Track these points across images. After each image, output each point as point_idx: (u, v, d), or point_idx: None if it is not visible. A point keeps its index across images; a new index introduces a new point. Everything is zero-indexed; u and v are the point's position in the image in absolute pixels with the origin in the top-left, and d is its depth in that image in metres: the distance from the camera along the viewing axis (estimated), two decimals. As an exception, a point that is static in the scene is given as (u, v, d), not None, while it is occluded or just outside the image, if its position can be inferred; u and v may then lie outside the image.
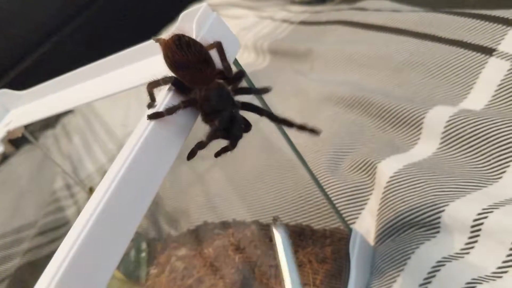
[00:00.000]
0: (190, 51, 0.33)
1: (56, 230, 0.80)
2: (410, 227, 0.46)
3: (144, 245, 0.57)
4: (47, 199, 0.89)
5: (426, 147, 0.51)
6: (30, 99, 0.51)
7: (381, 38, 0.66)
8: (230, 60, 0.34)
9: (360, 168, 0.53)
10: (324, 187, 0.53)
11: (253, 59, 0.92)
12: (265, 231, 0.48)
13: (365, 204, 0.52)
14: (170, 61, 0.33)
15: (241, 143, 0.33)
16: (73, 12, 1.40)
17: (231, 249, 0.47)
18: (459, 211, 0.42)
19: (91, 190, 0.55)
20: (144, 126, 0.29)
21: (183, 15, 0.37)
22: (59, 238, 0.76)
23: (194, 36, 0.34)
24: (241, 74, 0.35)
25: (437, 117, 0.51)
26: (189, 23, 0.36)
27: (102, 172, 0.91)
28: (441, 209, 0.43)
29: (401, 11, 0.69)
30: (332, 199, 0.52)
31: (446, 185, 0.45)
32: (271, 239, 0.44)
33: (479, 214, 0.40)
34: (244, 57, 0.97)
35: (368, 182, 0.52)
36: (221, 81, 0.34)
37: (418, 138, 0.52)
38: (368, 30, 0.70)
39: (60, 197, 0.88)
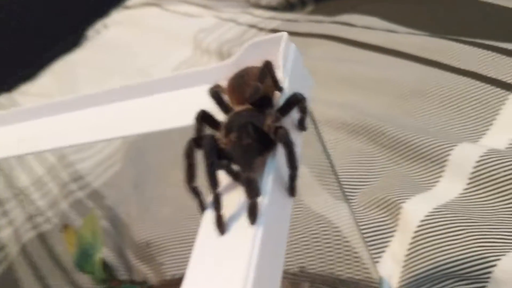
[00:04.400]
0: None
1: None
2: (448, 278, 0.42)
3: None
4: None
5: (451, 186, 0.48)
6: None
7: (380, 60, 0.63)
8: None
9: (379, 206, 0.49)
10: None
11: (216, 65, 0.85)
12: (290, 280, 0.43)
13: (386, 247, 0.48)
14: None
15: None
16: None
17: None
18: (515, 267, 0.39)
19: (66, 228, 0.46)
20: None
21: (251, 44, 0.30)
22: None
23: (280, 70, 0.28)
24: (296, 99, 0.25)
25: (465, 156, 0.48)
26: (260, 53, 0.30)
27: (41, 185, 0.79)
28: (493, 263, 0.40)
29: (396, 31, 0.66)
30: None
31: (490, 234, 0.42)
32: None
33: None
34: (203, 61, 0.89)
35: (390, 222, 0.48)
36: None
37: (441, 176, 0.49)
38: (361, 48, 0.66)
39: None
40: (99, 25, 1.22)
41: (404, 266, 0.45)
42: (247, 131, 0.23)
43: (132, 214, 0.61)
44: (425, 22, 0.64)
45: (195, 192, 0.24)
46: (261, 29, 0.85)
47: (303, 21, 0.80)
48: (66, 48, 1.15)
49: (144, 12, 1.17)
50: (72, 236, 0.45)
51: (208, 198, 0.25)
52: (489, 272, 0.40)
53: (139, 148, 0.74)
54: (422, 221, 0.45)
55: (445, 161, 0.49)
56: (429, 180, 0.50)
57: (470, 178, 0.47)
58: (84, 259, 0.43)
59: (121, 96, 0.35)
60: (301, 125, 0.26)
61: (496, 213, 0.45)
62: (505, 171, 0.45)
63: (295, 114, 0.27)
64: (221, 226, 0.22)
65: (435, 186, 0.49)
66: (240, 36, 0.86)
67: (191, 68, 0.88)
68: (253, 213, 0.21)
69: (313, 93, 0.66)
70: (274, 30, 0.83)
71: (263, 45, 0.30)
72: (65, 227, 0.45)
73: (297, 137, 0.25)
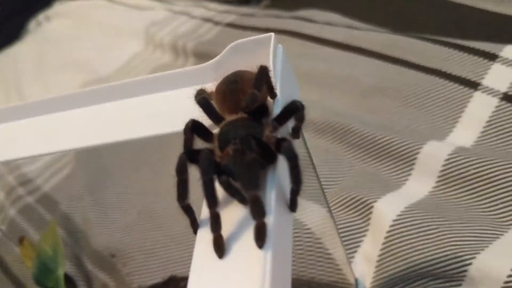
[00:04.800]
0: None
1: None
2: (422, 277, 0.42)
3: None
4: None
5: (419, 185, 0.48)
6: None
7: (342, 57, 0.62)
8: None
9: (350, 206, 0.49)
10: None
11: (170, 60, 0.82)
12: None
13: (358, 247, 0.47)
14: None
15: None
16: None
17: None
18: (490, 265, 0.39)
19: (22, 242, 0.42)
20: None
21: (234, 45, 0.28)
22: None
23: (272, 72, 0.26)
24: (295, 108, 0.23)
25: (434, 154, 0.48)
26: (244, 55, 0.28)
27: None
28: (468, 262, 0.40)
29: (358, 28, 0.65)
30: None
31: (463, 233, 0.42)
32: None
33: (514, 270, 0.38)
34: (156, 56, 0.86)
35: (361, 222, 0.48)
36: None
37: (410, 174, 0.49)
38: (322, 45, 0.65)
39: None
40: (40, 17, 1.15)
41: (377, 266, 0.45)
42: (249, 144, 0.21)
43: (89, 221, 0.57)
44: (387, 19, 0.64)
45: (188, 211, 0.22)
46: (216, 23, 0.83)
47: (260, 15, 0.79)
48: (5, 42, 1.08)
49: (90, 3, 1.12)
50: (29, 250, 0.41)
51: (201, 215, 0.23)
52: (465, 271, 0.40)
53: (91, 148, 0.70)
54: (395, 220, 0.45)
55: (414, 159, 0.49)
56: (398, 178, 0.50)
57: (439, 177, 0.47)
58: (44, 274, 0.40)
59: (87, 101, 0.33)
60: (295, 134, 0.25)
61: (466, 211, 0.45)
62: (474, 169, 0.46)
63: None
64: (221, 248, 0.20)
65: (404, 184, 0.49)
66: (195, 30, 0.83)
67: (143, 62, 0.84)
68: (261, 236, 0.19)
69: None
70: (231, 24, 0.81)
71: (247, 47, 0.28)
72: (21, 240, 0.42)
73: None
